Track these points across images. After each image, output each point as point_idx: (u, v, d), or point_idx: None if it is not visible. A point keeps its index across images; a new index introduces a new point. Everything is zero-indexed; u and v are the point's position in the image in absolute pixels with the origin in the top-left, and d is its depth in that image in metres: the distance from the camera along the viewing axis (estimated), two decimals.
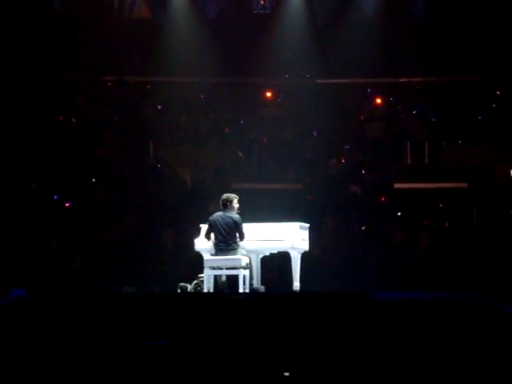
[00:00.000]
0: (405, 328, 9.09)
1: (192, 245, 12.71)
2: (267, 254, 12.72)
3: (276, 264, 15.22)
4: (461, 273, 16.86)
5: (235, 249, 12.11)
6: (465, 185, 19.38)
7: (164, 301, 10.13)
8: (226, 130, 20.87)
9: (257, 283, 12.57)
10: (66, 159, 19.45)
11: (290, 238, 12.34)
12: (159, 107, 20.90)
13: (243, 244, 12.23)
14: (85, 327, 9.29)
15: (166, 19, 20.94)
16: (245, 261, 12.06)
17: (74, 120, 20.54)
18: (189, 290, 12.68)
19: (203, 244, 12.42)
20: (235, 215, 12.20)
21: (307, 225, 12.77)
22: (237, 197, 12.40)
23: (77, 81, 20.47)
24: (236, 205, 12.31)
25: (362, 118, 21.46)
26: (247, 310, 9.47)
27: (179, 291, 12.61)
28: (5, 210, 17.99)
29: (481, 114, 20.76)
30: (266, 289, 12.64)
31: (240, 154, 20.45)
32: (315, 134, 20.64)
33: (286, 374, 8.40)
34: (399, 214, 18.89)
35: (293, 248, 12.39)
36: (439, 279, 16.90)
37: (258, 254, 12.62)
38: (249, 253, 12.36)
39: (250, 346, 8.63)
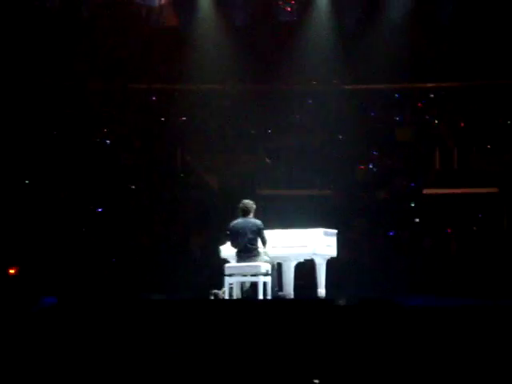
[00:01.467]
0: (432, 335, 9.04)
1: (218, 252, 12.72)
2: (301, 260, 12.60)
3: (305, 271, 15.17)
4: (489, 280, 16.74)
5: (256, 255, 12.05)
6: (495, 190, 19.26)
7: (183, 307, 10.12)
8: (253, 137, 20.89)
9: (287, 290, 12.50)
10: (95, 167, 19.56)
11: (313, 244, 12.26)
12: (186, 114, 20.96)
13: (267, 250, 12.19)
14: (115, 334, 9.33)
15: (193, 27, 21.01)
16: (265, 267, 11.96)
17: (104, 129, 20.65)
18: (220, 296, 12.64)
19: (229, 251, 12.42)
20: (257, 220, 12.16)
21: (334, 231, 12.71)
22: (254, 203, 12.40)
23: (105, 89, 20.58)
24: (254, 210, 12.30)
25: (390, 123, 21.39)
26: (269, 317, 9.45)
27: (212, 298, 12.57)
28: (35, 218, 18.14)
29: (510, 118, 20.62)
30: (295, 296, 12.58)
31: (267, 160, 20.45)
32: (343, 138, 20.58)
33: (316, 381, 8.38)
34: (428, 220, 18.80)
35: (315, 254, 12.31)
36: (468, 285, 16.78)
37: (289, 261, 12.52)
38: (277, 259, 12.34)
39: (275, 353, 8.62)
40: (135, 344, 9.17)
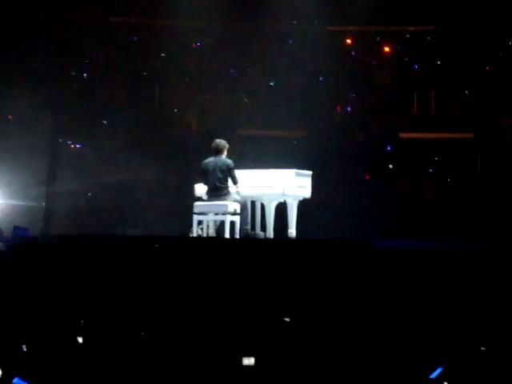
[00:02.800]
0: (406, 276, 9.13)
1: (193, 190, 12.74)
2: (281, 200, 12.58)
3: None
4: (462, 223, 16.92)
5: (226, 194, 12.12)
6: (471, 135, 19.36)
7: (150, 243, 10.15)
8: (233, 76, 20.75)
9: (256, 229, 12.58)
10: (72, 101, 19.39)
11: (283, 184, 12.27)
12: (165, 50, 20.75)
13: (239, 189, 12.23)
14: (89, 270, 9.35)
15: None
16: (232, 207, 12.03)
17: (81, 63, 20.41)
18: (195, 233, 12.68)
19: (202, 189, 12.46)
20: (227, 160, 12.22)
21: (308, 172, 12.71)
22: (227, 142, 12.39)
23: (83, 21, 20.28)
24: (227, 150, 12.32)
25: (369, 66, 21.30)
26: (239, 255, 9.50)
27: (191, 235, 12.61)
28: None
29: (489, 64, 20.61)
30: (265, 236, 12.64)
31: (246, 99, 20.37)
32: (321, 79, 20.51)
33: (287, 319, 8.45)
34: (403, 163, 18.89)
35: (284, 195, 12.34)
36: (441, 229, 16.95)
37: (267, 202, 12.55)
38: (249, 199, 12.38)
39: (245, 292, 8.67)
40: (107, 279, 9.20)
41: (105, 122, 19.28)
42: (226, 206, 12.00)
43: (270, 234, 12.33)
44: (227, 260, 9.33)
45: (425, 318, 8.05)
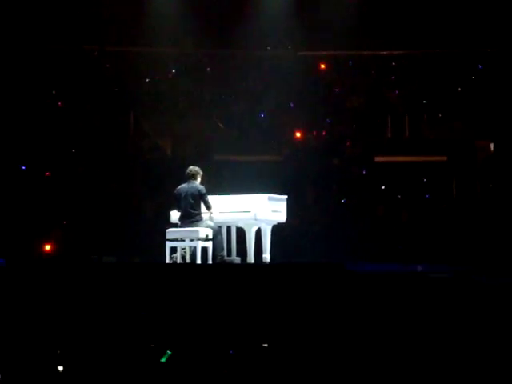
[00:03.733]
0: (382, 300, 9.14)
1: (169, 216, 12.74)
2: (259, 226, 12.61)
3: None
4: (440, 246, 16.98)
5: (198, 220, 12.14)
6: (444, 158, 19.49)
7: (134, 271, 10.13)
8: (208, 102, 20.82)
9: (232, 255, 12.57)
10: (47, 129, 19.36)
11: (255, 209, 12.27)
12: (140, 78, 20.79)
13: (213, 215, 12.26)
14: (66, 295, 9.31)
15: None
16: (203, 232, 12.04)
17: (54, 91, 20.41)
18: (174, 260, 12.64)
19: (178, 216, 12.46)
20: (199, 185, 12.28)
21: (283, 196, 12.74)
22: (200, 169, 12.44)
23: (57, 49, 20.30)
24: (199, 179, 12.37)
25: (343, 90, 21.44)
26: (216, 281, 9.49)
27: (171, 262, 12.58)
28: None
29: (461, 87, 20.80)
30: (242, 261, 12.64)
31: (221, 125, 20.43)
32: (296, 105, 20.62)
33: (265, 345, 8.45)
34: (380, 187, 18.96)
35: (256, 220, 12.34)
36: (418, 252, 17.00)
37: (233, 226, 12.57)
38: (220, 225, 12.39)
39: (223, 318, 8.65)
40: (84, 306, 9.16)
41: (74, 149, 19.24)
42: (197, 231, 12.02)
43: (251, 259, 12.30)
44: (198, 286, 9.31)
45: (398, 340, 8.07)
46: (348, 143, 20.11)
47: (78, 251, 17.19)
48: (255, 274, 9.83)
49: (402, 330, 8.39)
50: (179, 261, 12.25)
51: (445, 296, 9.13)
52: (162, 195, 18.02)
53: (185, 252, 12.34)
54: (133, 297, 9.24)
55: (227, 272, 10.25)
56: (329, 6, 20.35)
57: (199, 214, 12.18)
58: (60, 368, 8.12)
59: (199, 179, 12.39)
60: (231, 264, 12.20)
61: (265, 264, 12.17)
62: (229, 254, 12.62)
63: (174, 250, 12.30)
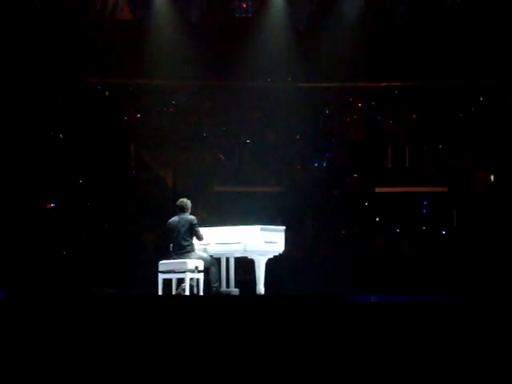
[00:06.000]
0: (383, 331, 9.12)
1: (169, 248, 12.72)
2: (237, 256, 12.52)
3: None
4: (441, 277, 16.94)
5: (189, 251, 12.13)
6: (445, 189, 19.51)
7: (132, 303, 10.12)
8: (208, 133, 20.88)
9: (230, 286, 12.49)
10: (48, 161, 19.40)
11: (244, 240, 12.24)
12: (141, 110, 20.87)
13: (207, 247, 12.25)
14: (66, 328, 9.29)
15: (148, 21, 20.93)
16: (193, 264, 12.00)
17: (57, 123, 20.48)
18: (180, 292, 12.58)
19: None
20: (190, 217, 12.27)
21: (280, 227, 12.65)
22: (189, 201, 12.42)
23: (58, 82, 20.41)
24: (189, 208, 12.38)
25: (343, 121, 21.52)
26: (215, 313, 9.44)
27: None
28: None
29: (461, 118, 20.88)
30: (241, 292, 12.56)
31: (222, 157, 20.46)
32: (297, 136, 20.66)
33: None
34: (379, 218, 18.96)
35: (246, 251, 12.28)
36: (420, 283, 16.96)
37: (232, 257, 12.50)
38: (218, 256, 12.36)
39: (208, 353, 8.60)
40: (84, 338, 9.14)
41: (80, 181, 19.26)
42: (186, 263, 11.99)
43: (260, 290, 12.22)
44: (191, 318, 9.28)
45: (401, 373, 8.03)
46: (348, 174, 20.14)
47: (79, 283, 17.16)
48: (251, 306, 9.77)
49: (405, 362, 8.35)
50: (187, 292, 12.18)
51: (446, 327, 9.11)
52: (162, 227, 18.01)
53: (190, 284, 12.26)
54: (130, 328, 9.23)
55: (222, 304, 10.17)
56: (329, 39, 20.50)
57: (190, 245, 12.17)
58: None
59: (189, 211, 12.39)
60: (226, 296, 12.13)
61: (262, 296, 12.10)
62: (228, 285, 12.55)
63: (168, 282, 12.21)
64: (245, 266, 12.86)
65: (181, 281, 12.23)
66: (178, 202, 12.47)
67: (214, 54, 20.77)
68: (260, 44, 20.82)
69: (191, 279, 12.10)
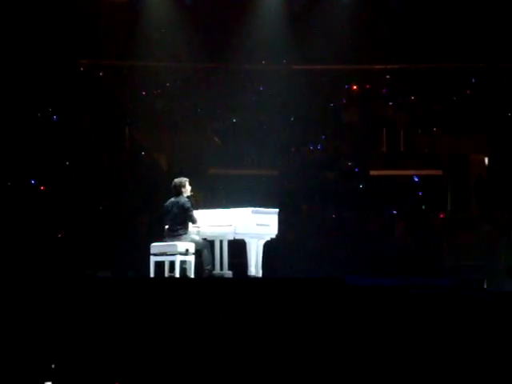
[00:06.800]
0: (379, 314, 9.12)
1: (164, 230, 12.68)
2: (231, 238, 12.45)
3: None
4: (435, 257, 16.99)
5: (181, 234, 12.09)
6: (439, 172, 19.52)
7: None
8: (203, 116, 20.83)
9: (224, 269, 12.44)
10: (43, 144, 19.33)
11: (235, 223, 12.17)
12: (135, 92, 20.80)
13: (200, 229, 12.21)
14: (61, 310, 9.28)
15: (142, 3, 20.83)
16: (183, 247, 11.96)
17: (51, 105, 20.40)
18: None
19: None
20: (184, 199, 12.17)
21: (273, 210, 12.56)
22: (188, 180, 12.33)
23: (52, 64, 20.31)
24: (188, 187, 12.27)
25: (338, 104, 21.49)
26: (208, 295, 9.43)
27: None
28: None
29: (456, 102, 20.87)
30: (234, 274, 12.51)
31: (216, 139, 20.42)
32: (292, 119, 20.62)
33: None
34: (376, 201, 18.97)
35: (236, 233, 12.22)
36: (414, 265, 16.99)
37: (225, 240, 12.43)
38: (211, 239, 12.31)
39: (215, 332, 8.59)
40: (78, 320, 9.13)
41: (69, 163, 19.21)
42: (176, 246, 11.96)
43: (252, 272, 12.17)
44: (184, 300, 9.27)
45: (400, 354, 8.04)
46: (343, 157, 20.13)
47: (73, 266, 17.13)
48: (243, 288, 9.74)
49: (404, 343, 8.36)
50: (177, 274, 12.15)
51: (443, 309, 9.12)
52: (156, 209, 17.98)
53: (181, 267, 12.24)
54: (125, 311, 9.22)
55: (213, 286, 10.14)
56: (324, 21, 20.45)
57: (183, 228, 12.11)
58: None
59: (187, 188, 12.25)
60: (218, 278, 12.08)
61: (253, 278, 12.05)
62: (222, 268, 12.49)
63: (161, 264, 12.17)
64: (240, 248, 12.81)
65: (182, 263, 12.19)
66: (172, 183, 12.36)
67: (208, 36, 20.69)
68: (254, 26, 20.76)
69: (182, 261, 12.08)
